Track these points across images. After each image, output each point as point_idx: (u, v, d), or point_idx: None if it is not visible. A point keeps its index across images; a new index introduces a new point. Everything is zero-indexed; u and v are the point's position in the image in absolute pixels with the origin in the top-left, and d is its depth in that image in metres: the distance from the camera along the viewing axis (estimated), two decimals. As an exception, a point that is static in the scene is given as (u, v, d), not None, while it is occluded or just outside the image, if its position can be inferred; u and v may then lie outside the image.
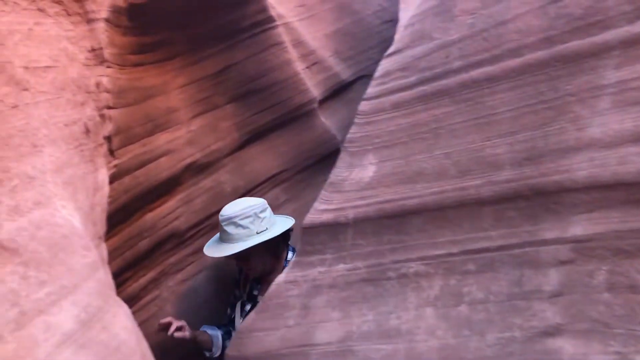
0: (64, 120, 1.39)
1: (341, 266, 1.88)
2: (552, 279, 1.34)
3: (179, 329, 2.36)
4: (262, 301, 2.15)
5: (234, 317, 2.70)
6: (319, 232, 1.97)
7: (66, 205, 1.22)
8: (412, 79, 1.81)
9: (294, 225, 2.63)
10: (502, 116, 1.46)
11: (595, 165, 1.26)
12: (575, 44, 1.43)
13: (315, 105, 3.35)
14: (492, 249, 1.46)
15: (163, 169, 2.51)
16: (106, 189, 1.69)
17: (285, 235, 2.64)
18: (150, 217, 2.56)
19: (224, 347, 2.59)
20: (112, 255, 2.34)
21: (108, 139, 1.90)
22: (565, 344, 1.31)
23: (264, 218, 2.53)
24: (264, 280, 2.62)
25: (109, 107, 1.87)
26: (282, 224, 2.62)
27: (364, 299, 1.78)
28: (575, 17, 1.44)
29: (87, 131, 1.56)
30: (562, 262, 1.32)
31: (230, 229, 2.48)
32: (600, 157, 1.26)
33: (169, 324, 2.35)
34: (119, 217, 2.29)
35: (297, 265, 2.07)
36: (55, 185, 1.23)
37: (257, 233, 2.48)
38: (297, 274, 2.05)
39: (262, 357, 1.98)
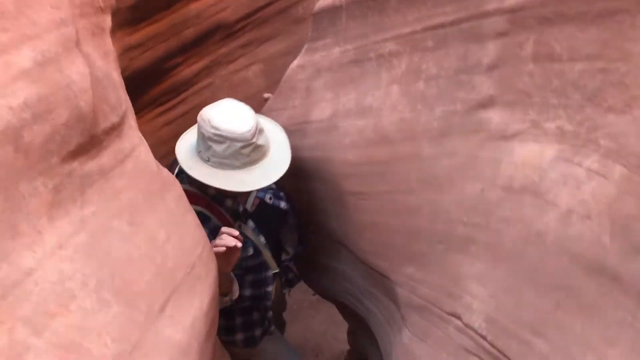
0: None
1: (336, 49, 1.96)
2: (490, 51, 1.35)
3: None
4: (280, 85, 2.32)
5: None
6: (322, 18, 2.04)
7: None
8: None
9: None
10: None
11: None
12: None
13: None
14: (447, 24, 1.46)
15: (200, -43, 2.60)
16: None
17: None
18: (195, 6, 2.72)
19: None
20: (156, 40, 2.59)
21: None
22: (494, 115, 1.35)
23: None
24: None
25: None
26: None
27: (350, 79, 1.88)
28: None
29: None
30: (499, 34, 1.31)
31: (261, 140, 1.88)
32: None
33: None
34: (159, 3, 2.48)
35: (306, 51, 2.18)
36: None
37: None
38: (305, 58, 2.17)
39: (273, 133, 2.21)
